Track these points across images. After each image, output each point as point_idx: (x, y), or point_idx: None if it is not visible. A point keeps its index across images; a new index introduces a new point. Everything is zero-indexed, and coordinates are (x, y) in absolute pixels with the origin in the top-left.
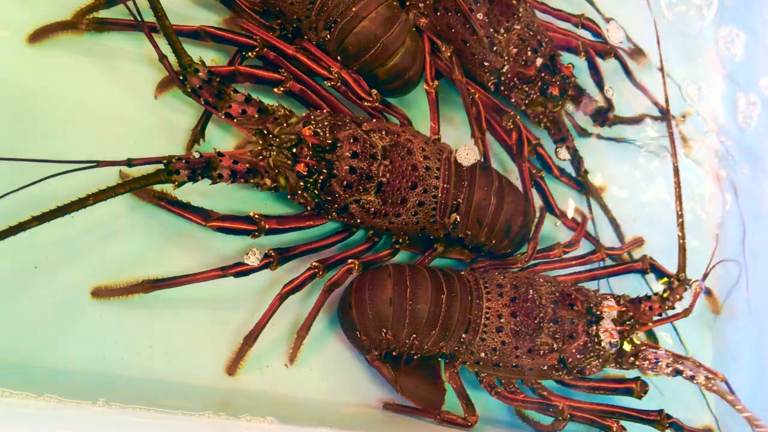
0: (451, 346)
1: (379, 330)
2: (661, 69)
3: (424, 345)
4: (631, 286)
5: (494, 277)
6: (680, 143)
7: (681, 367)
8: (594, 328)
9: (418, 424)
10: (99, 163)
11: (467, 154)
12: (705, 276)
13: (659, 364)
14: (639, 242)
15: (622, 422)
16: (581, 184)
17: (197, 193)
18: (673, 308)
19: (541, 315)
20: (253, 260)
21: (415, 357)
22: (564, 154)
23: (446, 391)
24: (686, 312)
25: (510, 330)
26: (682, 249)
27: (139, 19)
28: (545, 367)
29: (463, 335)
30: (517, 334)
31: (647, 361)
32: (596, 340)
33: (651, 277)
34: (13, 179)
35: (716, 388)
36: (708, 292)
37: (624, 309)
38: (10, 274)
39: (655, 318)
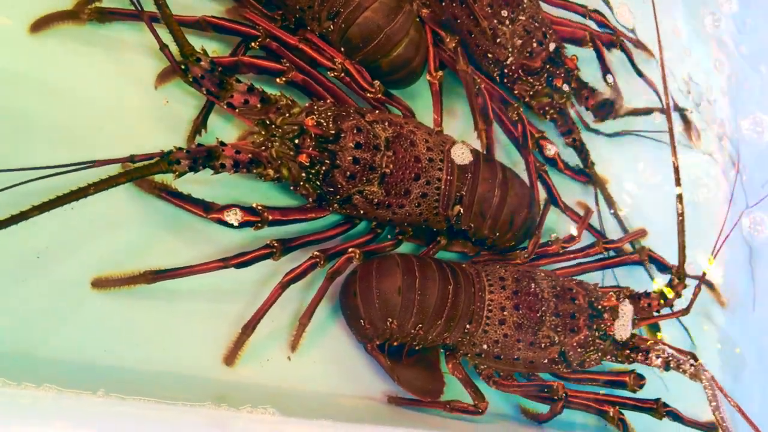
0: (455, 337)
1: (384, 319)
2: (660, 52)
3: (428, 336)
4: (638, 279)
5: (496, 270)
6: (682, 134)
7: (676, 361)
8: (595, 322)
9: (421, 416)
10: (96, 163)
11: (462, 153)
12: (704, 273)
13: (650, 356)
14: (641, 233)
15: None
16: (588, 176)
17: (199, 182)
18: (672, 305)
19: (544, 308)
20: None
21: (417, 348)
22: (551, 150)
23: (446, 384)
24: (684, 311)
25: (513, 323)
26: (682, 247)
27: (140, 8)
28: (545, 361)
29: (467, 326)
30: (520, 327)
31: (641, 355)
32: (597, 334)
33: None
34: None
35: (708, 382)
36: (710, 286)
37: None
38: (11, 263)
39: (654, 314)
